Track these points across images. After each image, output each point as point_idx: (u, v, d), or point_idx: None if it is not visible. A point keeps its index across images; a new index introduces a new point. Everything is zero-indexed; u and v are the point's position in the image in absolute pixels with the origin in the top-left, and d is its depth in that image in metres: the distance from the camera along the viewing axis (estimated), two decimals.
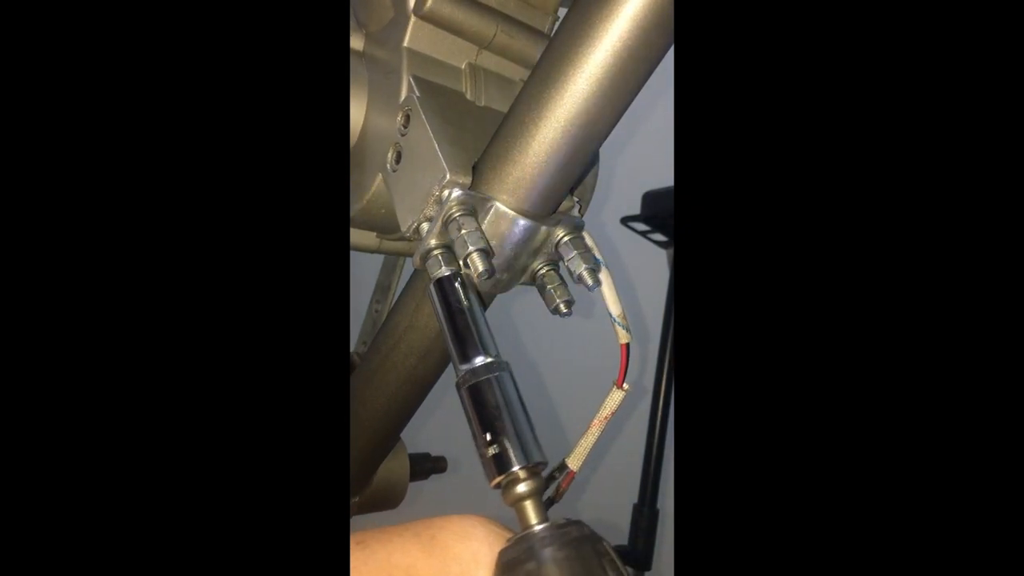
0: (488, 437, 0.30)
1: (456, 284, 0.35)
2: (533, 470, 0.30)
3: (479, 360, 0.32)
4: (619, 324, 0.41)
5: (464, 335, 0.33)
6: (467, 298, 0.34)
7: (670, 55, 0.33)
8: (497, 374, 0.32)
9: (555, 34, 0.35)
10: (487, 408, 0.31)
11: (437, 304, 0.35)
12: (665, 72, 0.34)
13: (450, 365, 0.48)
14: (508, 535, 0.29)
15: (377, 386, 0.47)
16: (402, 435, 0.58)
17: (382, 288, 0.65)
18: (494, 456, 0.30)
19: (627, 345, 0.41)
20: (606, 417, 0.42)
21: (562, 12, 0.45)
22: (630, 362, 0.41)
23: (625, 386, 0.41)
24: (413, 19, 0.41)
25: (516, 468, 0.29)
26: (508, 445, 0.30)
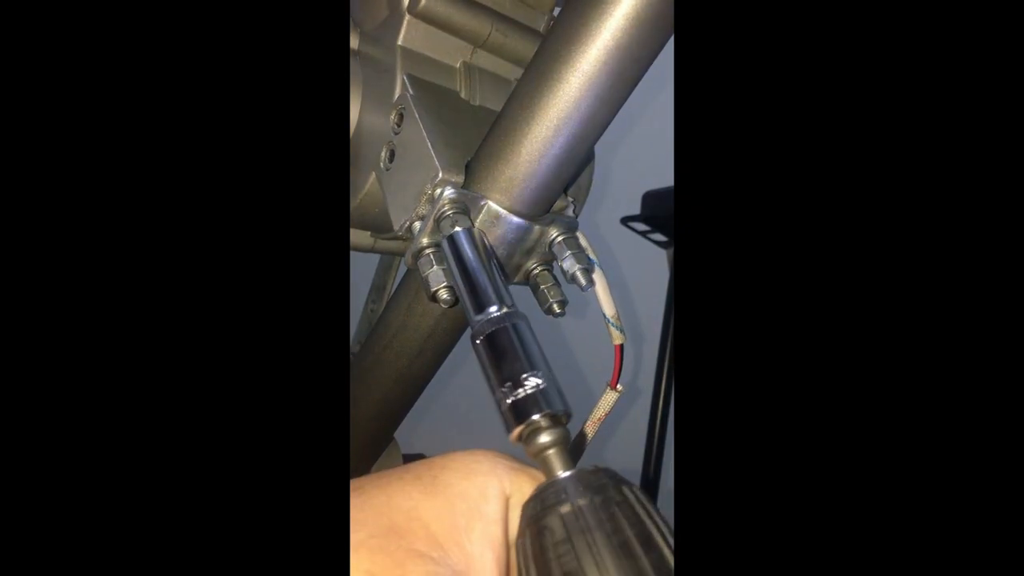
0: (506, 386, 0.28)
1: (469, 238, 0.34)
2: (556, 419, 0.28)
3: (494, 310, 0.31)
4: (613, 325, 0.41)
5: (478, 287, 0.32)
6: (480, 252, 0.34)
7: (666, 52, 0.33)
8: (514, 322, 0.30)
9: (549, 32, 0.35)
10: (504, 356, 0.29)
11: (450, 258, 0.34)
12: (664, 69, 0.34)
13: (444, 365, 0.48)
14: (517, 466, 0.27)
15: (370, 386, 0.47)
16: (396, 436, 0.58)
17: (377, 288, 0.64)
18: (513, 405, 0.28)
19: (621, 346, 0.41)
20: (600, 418, 0.42)
21: (558, 12, 0.45)
22: (624, 363, 0.41)
23: (619, 387, 0.41)
24: (407, 17, 0.40)
25: (537, 416, 0.27)
26: (528, 393, 0.28)
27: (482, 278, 0.32)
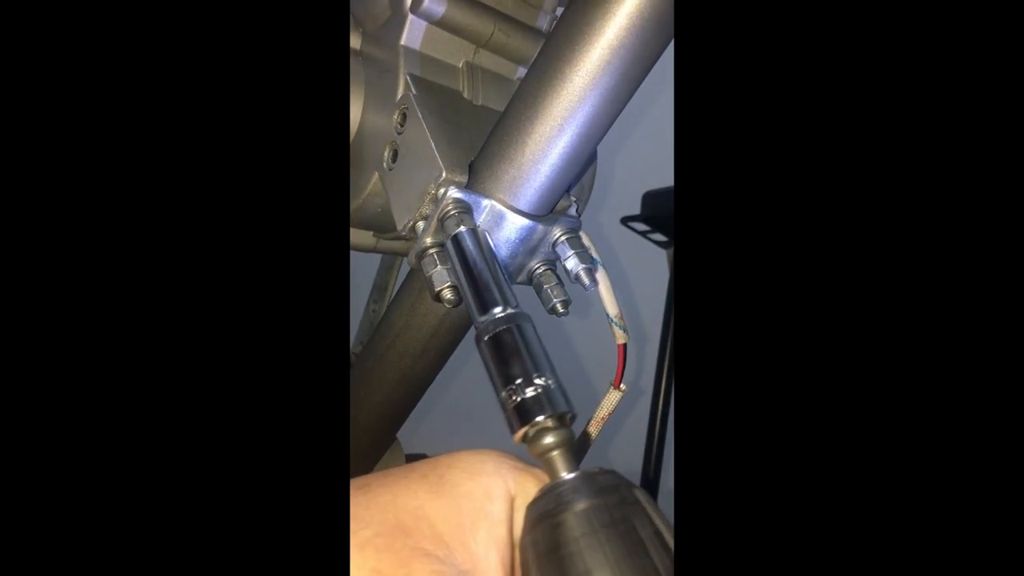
0: (510, 387, 0.28)
1: (473, 239, 0.34)
2: (560, 419, 0.28)
3: (498, 311, 0.31)
4: (616, 324, 0.41)
5: (483, 287, 0.32)
6: (484, 252, 0.34)
7: (668, 52, 0.33)
8: (519, 323, 0.30)
9: (552, 31, 0.35)
10: (509, 357, 0.29)
11: (454, 258, 0.34)
12: (665, 70, 0.34)
13: (447, 363, 0.48)
14: (521, 466, 0.27)
15: (372, 386, 0.47)
16: (398, 435, 0.58)
17: (379, 288, 0.64)
18: (517, 406, 0.28)
19: (624, 345, 0.41)
20: (603, 418, 0.42)
21: (560, 12, 0.45)
22: (627, 362, 0.41)
23: (622, 387, 0.41)
24: (410, 17, 0.40)
25: (542, 417, 0.27)
26: (532, 394, 0.28)
27: (486, 279, 0.32)
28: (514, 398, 0.28)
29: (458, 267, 0.34)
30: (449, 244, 0.34)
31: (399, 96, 0.39)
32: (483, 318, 0.31)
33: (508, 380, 0.28)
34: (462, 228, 0.34)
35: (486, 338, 0.30)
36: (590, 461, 0.40)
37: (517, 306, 0.31)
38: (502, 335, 0.30)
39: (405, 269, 0.57)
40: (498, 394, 0.29)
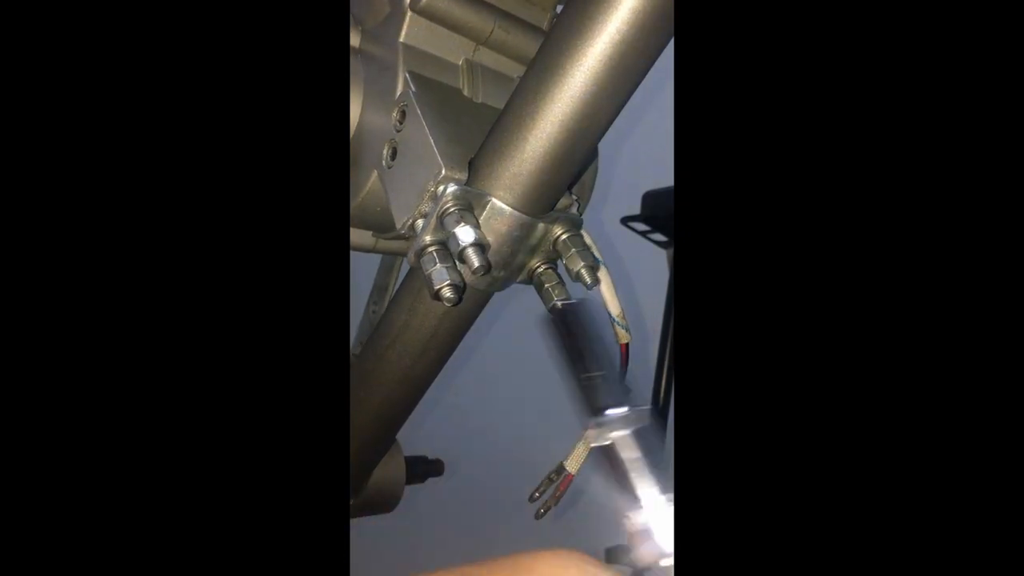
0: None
1: (578, 314, 0.34)
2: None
3: (614, 413, 0.30)
4: (619, 324, 0.40)
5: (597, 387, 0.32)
6: (590, 333, 0.33)
7: (669, 49, 0.33)
8: (639, 425, 0.30)
9: (553, 27, 0.35)
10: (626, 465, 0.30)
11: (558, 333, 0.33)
12: (665, 70, 0.34)
13: (447, 364, 0.48)
14: (600, 569, 0.27)
15: (372, 387, 0.46)
16: (398, 437, 0.58)
17: (379, 289, 0.64)
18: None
19: (627, 345, 0.41)
20: None
21: (560, 9, 0.44)
22: (631, 362, 0.41)
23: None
24: (409, 14, 0.40)
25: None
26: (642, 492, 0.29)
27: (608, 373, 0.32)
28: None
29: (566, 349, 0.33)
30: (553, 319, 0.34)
31: (398, 93, 0.39)
32: (598, 421, 0.30)
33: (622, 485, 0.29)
34: (558, 302, 0.34)
35: (601, 444, 0.30)
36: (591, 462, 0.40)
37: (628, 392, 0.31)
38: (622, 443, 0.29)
39: (405, 270, 0.56)
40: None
